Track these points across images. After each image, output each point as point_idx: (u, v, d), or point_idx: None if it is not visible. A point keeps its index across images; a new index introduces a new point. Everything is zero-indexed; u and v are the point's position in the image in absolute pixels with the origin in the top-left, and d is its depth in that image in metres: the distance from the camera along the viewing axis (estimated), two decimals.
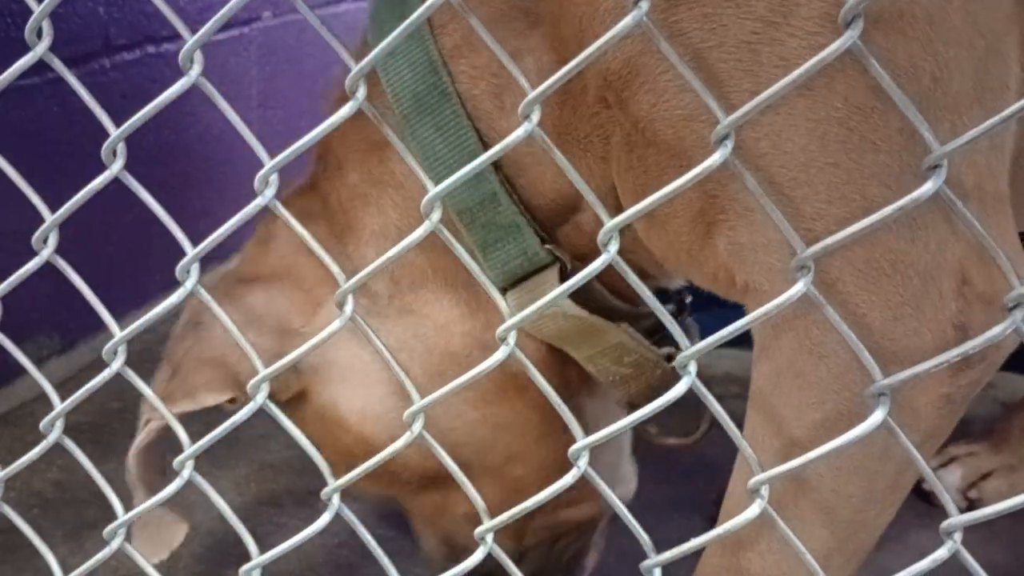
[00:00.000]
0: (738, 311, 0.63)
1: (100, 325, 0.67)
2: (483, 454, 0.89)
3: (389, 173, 0.82)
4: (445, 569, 0.63)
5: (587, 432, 0.93)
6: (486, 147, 0.76)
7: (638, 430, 0.88)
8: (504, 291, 0.80)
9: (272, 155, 0.57)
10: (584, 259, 0.80)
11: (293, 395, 0.88)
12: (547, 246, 0.79)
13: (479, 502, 0.61)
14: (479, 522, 0.60)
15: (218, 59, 1.90)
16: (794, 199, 0.63)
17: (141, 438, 0.86)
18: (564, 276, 0.79)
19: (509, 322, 0.55)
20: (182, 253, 0.61)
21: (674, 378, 0.84)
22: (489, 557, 0.60)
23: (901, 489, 0.72)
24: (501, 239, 0.78)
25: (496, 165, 0.77)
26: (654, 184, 0.70)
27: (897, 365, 0.64)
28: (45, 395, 0.71)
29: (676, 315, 0.92)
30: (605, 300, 0.83)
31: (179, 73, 0.57)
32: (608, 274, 0.69)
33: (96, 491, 0.73)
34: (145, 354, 1.62)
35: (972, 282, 0.66)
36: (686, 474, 1.24)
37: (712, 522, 0.78)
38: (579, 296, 0.80)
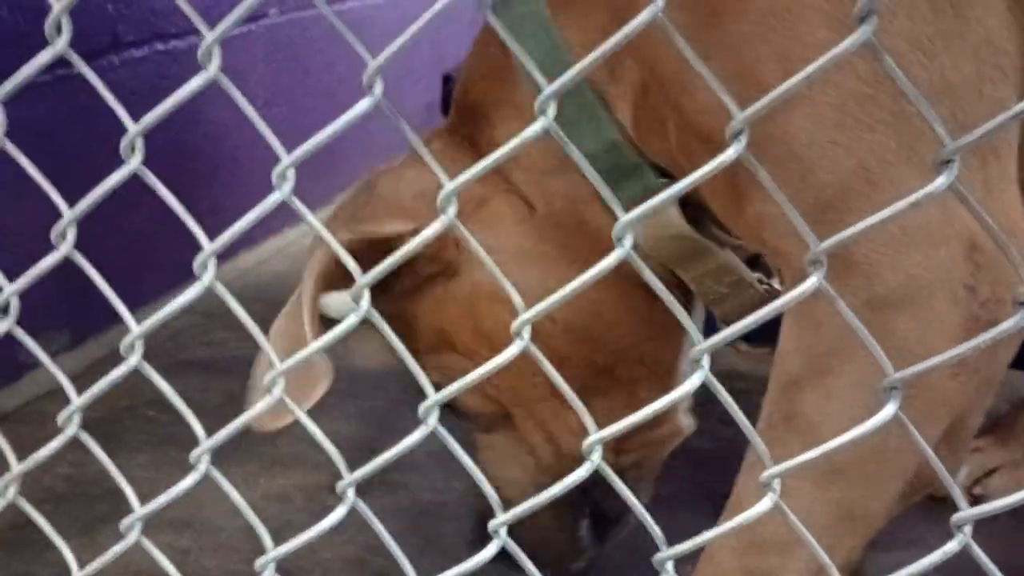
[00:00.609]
0: None
1: (110, 321, 0.67)
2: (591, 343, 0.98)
3: (501, 94, 0.94)
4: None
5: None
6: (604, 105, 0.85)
7: (732, 345, 0.99)
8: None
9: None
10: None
11: (439, 271, 0.97)
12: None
13: (494, 497, 0.61)
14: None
15: (224, 56, 1.90)
16: (793, 172, 0.70)
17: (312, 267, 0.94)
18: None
19: (524, 316, 0.55)
20: (191, 249, 0.61)
21: (762, 301, 0.92)
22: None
23: (909, 456, 0.73)
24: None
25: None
26: (668, 129, 0.81)
27: (909, 321, 0.68)
28: (53, 391, 0.72)
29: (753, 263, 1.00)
30: (709, 229, 0.92)
31: (188, 70, 0.57)
32: (711, 207, 0.83)
33: (108, 486, 0.73)
34: (156, 349, 1.64)
35: (981, 248, 0.69)
36: (695, 466, 1.25)
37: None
38: (693, 223, 0.91)
